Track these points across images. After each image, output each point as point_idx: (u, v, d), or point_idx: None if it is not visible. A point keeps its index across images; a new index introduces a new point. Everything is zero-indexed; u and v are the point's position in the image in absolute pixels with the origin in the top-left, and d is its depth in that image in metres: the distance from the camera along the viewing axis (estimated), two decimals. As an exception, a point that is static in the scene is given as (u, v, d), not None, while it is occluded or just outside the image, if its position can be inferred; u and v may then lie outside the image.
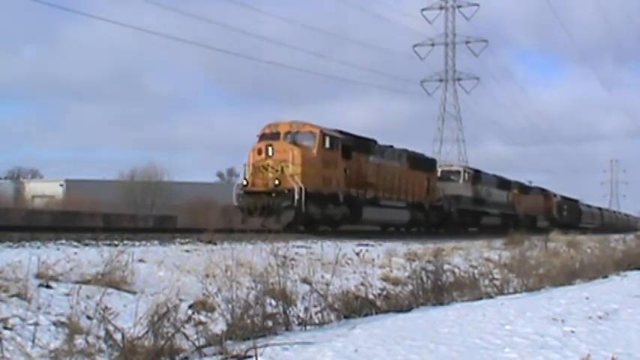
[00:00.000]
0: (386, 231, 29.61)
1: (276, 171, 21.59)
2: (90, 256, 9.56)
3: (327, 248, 13.01)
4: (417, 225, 31.90)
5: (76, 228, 15.45)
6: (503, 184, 44.41)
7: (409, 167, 30.26)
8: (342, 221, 24.89)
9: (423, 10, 67.69)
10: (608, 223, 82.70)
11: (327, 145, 23.37)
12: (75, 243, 11.96)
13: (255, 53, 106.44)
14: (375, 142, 27.61)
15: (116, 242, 12.27)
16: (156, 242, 13.40)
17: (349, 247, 15.61)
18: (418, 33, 70.58)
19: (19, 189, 55.18)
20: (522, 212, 46.64)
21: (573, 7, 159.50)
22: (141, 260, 10.05)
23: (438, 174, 35.32)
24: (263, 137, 22.94)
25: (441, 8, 67.09)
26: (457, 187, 36.11)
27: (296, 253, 12.70)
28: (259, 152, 22.04)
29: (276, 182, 21.36)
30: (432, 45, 67.15)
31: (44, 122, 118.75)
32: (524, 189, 49.65)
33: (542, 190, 55.19)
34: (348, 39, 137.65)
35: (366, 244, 18.02)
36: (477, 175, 39.28)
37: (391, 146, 29.34)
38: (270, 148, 21.82)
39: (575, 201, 66.36)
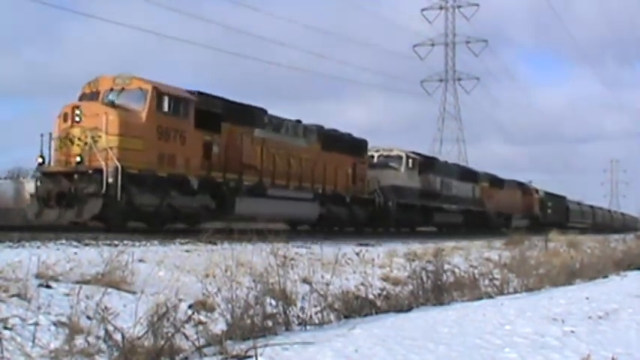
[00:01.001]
0: (295, 230, 22.80)
1: (84, 143, 15.96)
2: (90, 256, 9.56)
3: (327, 248, 13.02)
4: (334, 222, 25.25)
5: (76, 228, 15.44)
6: (468, 175, 38.48)
7: (322, 148, 23.79)
8: (201, 216, 18.49)
9: (423, 10, 67.82)
10: (602, 222, 76.39)
11: (167, 108, 17.08)
12: (75, 243, 11.98)
13: (254, 53, 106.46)
14: (264, 111, 21.03)
15: (116, 242, 12.28)
16: (156, 242, 13.41)
17: (349, 247, 15.62)
18: (418, 33, 70.53)
19: (19, 189, 55.10)
20: (494, 209, 41.01)
21: (574, 6, 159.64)
22: (141, 260, 10.05)
23: (374, 159, 29.13)
24: (81, 99, 17.19)
25: (441, 8, 67.18)
26: (398, 177, 29.24)
27: (296, 253, 12.69)
28: (65, 118, 16.35)
29: (78, 159, 15.82)
30: (432, 45, 67.25)
31: (45, 122, 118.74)
32: (497, 182, 43.30)
33: (521, 185, 48.99)
34: (348, 39, 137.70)
35: (366, 244, 18.04)
36: (427, 163, 32.62)
37: (298, 121, 23.33)
38: (77, 112, 16.09)
39: (562, 198, 60.67)
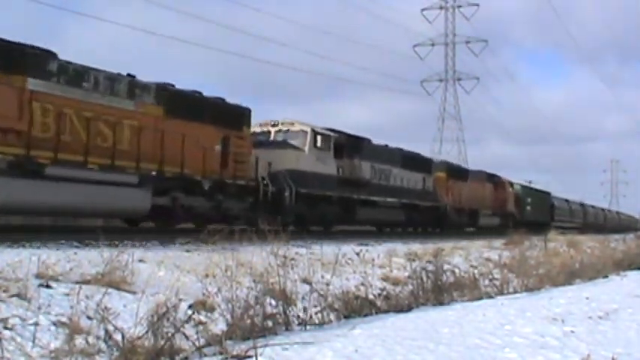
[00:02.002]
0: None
1: None
2: (90, 256, 9.56)
3: (327, 248, 13.02)
4: (184, 216, 17.79)
5: (76, 228, 15.43)
6: (416, 163, 30.80)
7: (165, 114, 16.89)
8: None
9: (423, 10, 67.81)
10: (595, 222, 70.09)
11: None
12: (75, 243, 11.97)
13: (255, 53, 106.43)
14: (48, 54, 14.52)
15: (116, 242, 12.28)
16: (156, 242, 13.40)
17: (349, 247, 15.62)
18: (418, 33, 70.61)
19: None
20: (454, 204, 34.31)
21: (574, 6, 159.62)
22: (141, 260, 10.04)
23: (271, 135, 22.39)
24: None
25: (441, 8, 67.19)
26: (300, 159, 21.98)
27: (296, 253, 12.68)
28: None
29: None
30: (432, 45, 67.25)
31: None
32: (458, 173, 36.85)
33: (491, 177, 41.71)
34: (348, 39, 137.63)
35: (366, 244, 18.03)
36: (350, 144, 25.24)
37: (130, 75, 16.55)
38: None
39: (546, 193, 54.46)
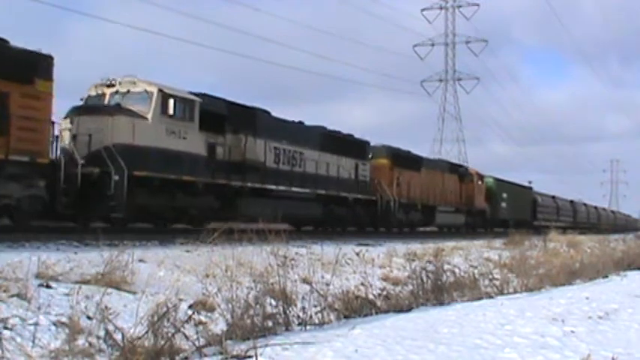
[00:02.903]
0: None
1: None
2: (90, 256, 9.56)
3: (327, 248, 13.02)
4: None
5: (76, 228, 15.42)
6: (344, 146, 24.43)
7: None
8: None
9: (423, 10, 67.72)
10: (586, 222, 64.49)
11: None
12: (75, 243, 11.98)
13: (255, 53, 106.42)
14: None
15: (116, 242, 12.27)
16: (156, 242, 13.41)
17: (349, 247, 15.62)
18: (418, 33, 70.63)
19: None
20: (401, 198, 27.99)
21: (574, 6, 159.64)
22: (141, 260, 10.04)
23: (105, 98, 16.50)
24: None
25: (441, 8, 67.14)
26: (139, 129, 15.83)
27: (296, 253, 12.69)
28: None
29: None
30: (432, 45, 67.22)
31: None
32: (408, 161, 29.67)
33: (454, 167, 36.05)
34: (349, 39, 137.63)
35: (366, 244, 18.04)
36: (234, 116, 19.07)
37: None
38: None
39: (526, 188, 48.71)
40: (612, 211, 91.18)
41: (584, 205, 68.79)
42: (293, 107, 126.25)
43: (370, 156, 26.93)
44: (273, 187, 20.28)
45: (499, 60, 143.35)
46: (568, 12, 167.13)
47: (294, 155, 21.64)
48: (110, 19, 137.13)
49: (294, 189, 21.24)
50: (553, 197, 56.29)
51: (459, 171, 36.14)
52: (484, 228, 38.11)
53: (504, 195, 41.88)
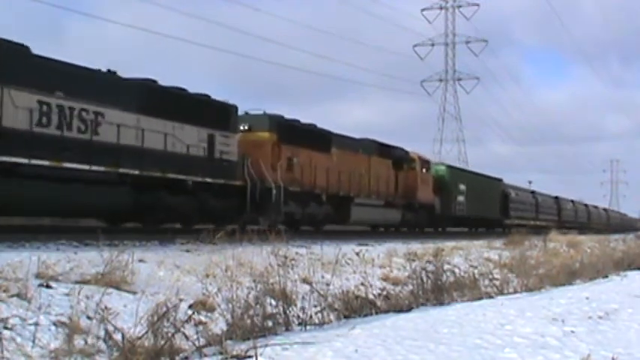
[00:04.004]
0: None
1: None
2: (90, 256, 9.56)
3: (326, 248, 13.02)
4: None
5: (76, 228, 15.43)
6: (188, 108, 17.42)
7: None
8: None
9: (423, 10, 67.85)
10: (572, 220, 57.62)
11: None
12: (75, 243, 11.98)
13: (255, 53, 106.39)
14: None
15: (116, 242, 12.27)
16: (156, 242, 13.40)
17: (349, 247, 15.62)
18: (418, 33, 70.63)
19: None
20: (294, 185, 21.00)
21: (574, 5, 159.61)
22: (141, 260, 10.05)
23: None
24: None
25: (441, 8, 67.29)
26: None
27: (296, 253, 12.69)
28: None
29: None
30: (432, 45, 67.36)
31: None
32: (306, 136, 22.23)
33: (387, 149, 27.67)
34: (349, 39, 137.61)
35: (366, 244, 18.04)
36: None
37: None
38: None
39: (495, 180, 40.63)
40: (605, 209, 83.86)
41: (572, 202, 62.35)
42: (293, 107, 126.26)
43: (246, 127, 20.19)
44: (23, 160, 13.15)
45: (499, 60, 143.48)
46: (568, 12, 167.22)
47: (82, 116, 14.50)
48: (111, 20, 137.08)
49: (67, 164, 13.99)
50: (532, 192, 50.20)
51: (393, 155, 28.24)
52: (432, 227, 31.65)
53: (461, 187, 34.25)
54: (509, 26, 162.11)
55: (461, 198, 34.12)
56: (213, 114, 18.48)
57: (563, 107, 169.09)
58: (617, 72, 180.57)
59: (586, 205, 68.68)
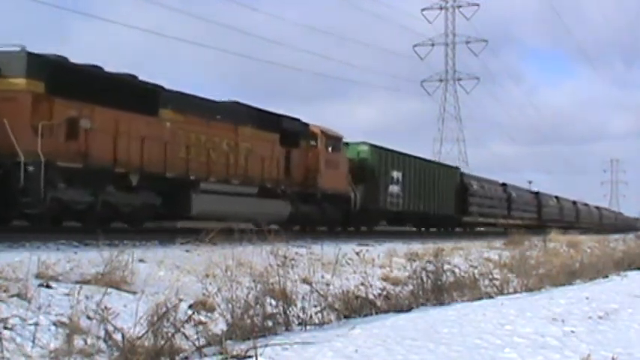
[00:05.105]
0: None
1: None
2: (90, 256, 9.56)
3: (327, 248, 13.02)
4: None
5: (76, 228, 15.42)
6: None
7: None
8: None
9: (423, 10, 67.80)
10: (556, 219, 50.73)
11: None
12: (75, 243, 11.97)
13: (254, 54, 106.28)
14: None
15: (116, 242, 12.27)
16: (156, 242, 13.40)
17: (349, 247, 15.62)
18: (418, 33, 70.59)
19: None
20: (76, 161, 14.18)
21: (575, 6, 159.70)
22: (141, 260, 10.04)
23: None
24: None
25: (441, 8, 67.28)
26: None
27: (296, 253, 12.69)
28: None
29: None
30: (432, 45, 67.35)
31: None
32: (123, 92, 15.34)
33: (278, 118, 20.70)
34: (349, 39, 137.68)
35: (366, 244, 18.03)
36: None
37: None
38: None
39: (451, 169, 34.67)
40: (597, 207, 75.85)
41: (556, 198, 54.73)
42: (293, 107, 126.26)
43: None
44: None
45: (499, 60, 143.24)
46: (568, 12, 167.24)
47: None
48: (111, 19, 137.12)
49: None
50: (503, 185, 42.16)
51: (280, 126, 20.64)
52: (344, 227, 23.75)
53: (395, 175, 26.42)
54: (510, 26, 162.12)
55: (395, 188, 26.47)
56: None
57: (563, 107, 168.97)
58: (618, 72, 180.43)
59: (574, 203, 61.47)
